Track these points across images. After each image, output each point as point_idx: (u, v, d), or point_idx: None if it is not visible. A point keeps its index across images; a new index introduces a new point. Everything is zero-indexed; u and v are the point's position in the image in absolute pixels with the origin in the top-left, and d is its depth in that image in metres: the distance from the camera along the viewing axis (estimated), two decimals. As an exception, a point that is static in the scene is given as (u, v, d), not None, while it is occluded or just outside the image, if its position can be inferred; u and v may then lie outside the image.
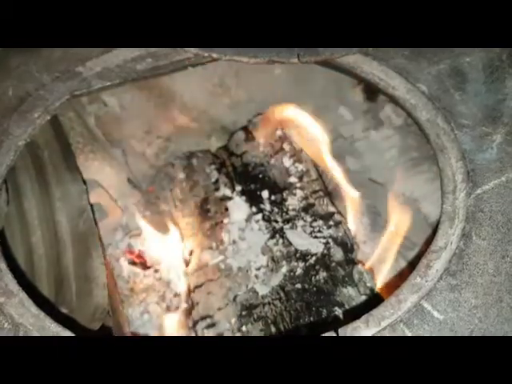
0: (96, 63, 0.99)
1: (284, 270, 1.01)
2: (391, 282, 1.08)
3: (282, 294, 0.98)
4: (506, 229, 0.78)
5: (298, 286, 0.99)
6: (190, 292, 1.06)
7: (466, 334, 0.70)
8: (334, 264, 1.01)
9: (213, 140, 1.36)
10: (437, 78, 0.95)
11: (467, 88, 0.93)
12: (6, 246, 0.93)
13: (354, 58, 0.98)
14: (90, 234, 1.03)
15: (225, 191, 1.17)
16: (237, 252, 1.07)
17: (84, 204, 1.07)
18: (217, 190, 1.18)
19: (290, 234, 1.06)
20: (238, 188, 1.17)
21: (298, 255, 1.03)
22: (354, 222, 1.17)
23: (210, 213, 1.15)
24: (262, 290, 0.99)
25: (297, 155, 1.20)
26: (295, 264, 1.02)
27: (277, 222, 1.09)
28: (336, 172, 1.23)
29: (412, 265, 1.06)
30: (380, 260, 1.12)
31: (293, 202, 1.12)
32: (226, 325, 0.97)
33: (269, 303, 0.97)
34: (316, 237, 1.05)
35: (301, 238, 1.05)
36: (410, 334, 0.70)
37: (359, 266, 1.02)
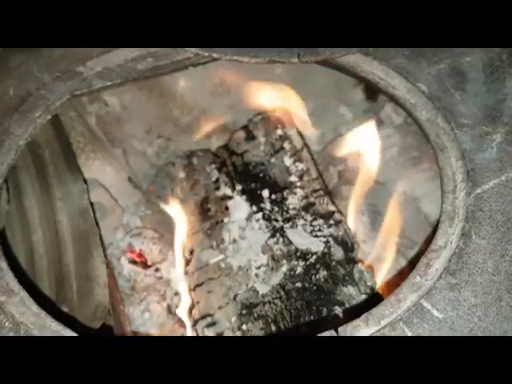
0: (97, 63, 1.00)
1: (284, 268, 1.02)
2: (391, 281, 1.08)
3: (282, 293, 0.98)
4: (506, 228, 0.78)
5: (299, 284, 0.99)
6: (190, 291, 1.07)
7: (466, 332, 0.70)
8: (334, 263, 1.01)
9: (213, 139, 1.36)
10: (437, 77, 0.95)
11: (467, 88, 0.94)
12: (6, 245, 0.93)
13: (354, 58, 0.99)
14: (91, 233, 1.04)
15: (225, 190, 1.17)
16: (237, 251, 1.07)
17: (85, 203, 1.07)
18: (217, 189, 1.18)
19: (290, 233, 1.06)
20: (239, 187, 1.17)
21: (298, 254, 1.03)
22: (354, 221, 1.17)
23: (210, 212, 1.15)
24: (263, 289, 1.00)
25: (297, 154, 1.20)
26: (295, 263, 1.02)
27: (277, 220, 1.10)
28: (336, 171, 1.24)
29: (412, 264, 1.07)
30: (380, 259, 1.12)
31: (293, 201, 1.12)
32: (227, 323, 0.97)
33: (269, 302, 0.98)
34: (316, 236, 1.05)
35: (301, 237, 1.05)
36: (409, 333, 0.70)
37: (359, 264, 1.02)
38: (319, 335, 0.71)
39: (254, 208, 1.12)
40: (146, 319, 1.17)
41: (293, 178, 1.16)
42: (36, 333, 0.71)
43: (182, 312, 1.11)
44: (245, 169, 1.21)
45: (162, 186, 1.29)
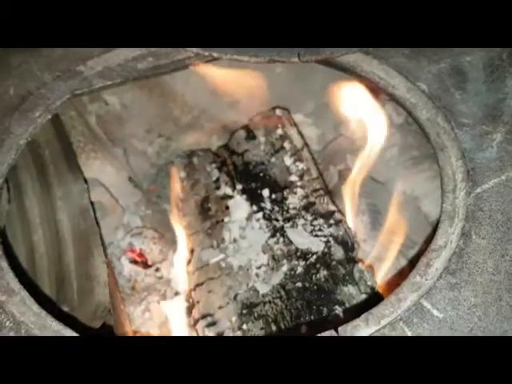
0: (97, 62, 1.00)
1: (285, 268, 1.02)
2: (391, 281, 1.08)
3: (282, 293, 0.98)
4: (506, 228, 0.78)
5: (299, 284, 0.99)
6: (190, 290, 1.07)
7: (466, 332, 0.70)
8: (334, 262, 1.01)
9: (213, 139, 1.36)
10: (437, 76, 0.95)
11: (467, 87, 0.94)
12: (7, 245, 0.93)
13: (354, 57, 0.99)
14: (92, 232, 1.04)
15: (225, 190, 1.17)
16: (237, 250, 1.07)
17: (85, 203, 1.07)
18: (217, 188, 1.18)
19: (290, 233, 1.06)
20: (239, 187, 1.17)
21: (298, 254, 1.03)
22: (355, 221, 1.17)
23: (210, 211, 1.15)
24: (263, 289, 1.00)
25: (297, 154, 1.20)
26: (296, 263, 1.02)
27: (277, 220, 1.10)
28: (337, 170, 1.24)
29: (412, 263, 1.07)
30: (380, 258, 1.12)
31: (293, 200, 1.12)
32: (227, 323, 0.97)
33: (269, 302, 0.98)
34: (317, 235, 1.05)
35: (301, 237, 1.05)
36: (409, 333, 0.70)
37: (360, 264, 1.02)
38: (319, 335, 0.71)
39: (255, 207, 1.12)
40: (147, 319, 1.17)
41: (293, 178, 1.16)
42: (36, 332, 0.71)
43: (183, 312, 1.11)
44: (245, 168, 1.21)
45: (163, 185, 1.29)
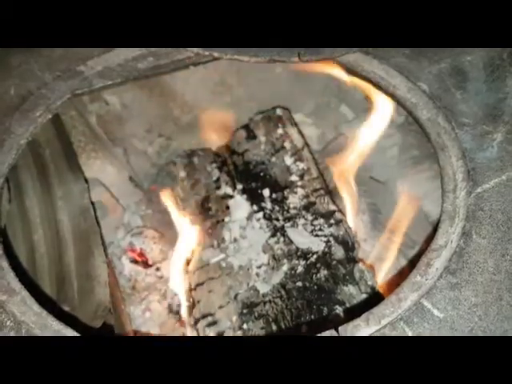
0: (97, 62, 1.00)
1: (285, 268, 1.02)
2: (392, 281, 1.08)
3: (282, 292, 0.98)
4: (506, 227, 0.78)
5: (299, 284, 0.99)
6: (191, 290, 1.07)
7: (466, 332, 0.70)
8: (334, 262, 1.01)
9: (214, 138, 1.36)
10: (437, 76, 0.95)
11: (468, 87, 0.94)
12: (7, 245, 0.93)
13: (354, 57, 0.99)
14: (92, 232, 1.04)
15: (226, 189, 1.17)
16: (238, 250, 1.07)
17: (86, 202, 1.07)
18: (218, 188, 1.18)
19: (290, 233, 1.06)
20: (239, 186, 1.17)
21: (298, 253, 1.03)
22: (355, 221, 1.17)
23: (211, 211, 1.16)
24: (263, 288, 1.00)
25: (298, 154, 1.20)
26: (296, 262, 1.02)
27: (278, 220, 1.10)
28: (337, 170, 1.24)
29: (412, 263, 1.07)
30: (380, 258, 1.12)
31: (294, 200, 1.13)
32: (227, 323, 0.97)
33: (270, 301, 0.98)
34: (317, 235, 1.06)
35: (302, 237, 1.05)
36: (410, 333, 0.70)
37: (360, 264, 1.02)
38: (320, 335, 0.71)
39: (255, 207, 1.12)
40: (147, 318, 1.17)
41: (293, 178, 1.16)
42: (37, 332, 0.71)
43: (183, 311, 1.11)
44: (245, 168, 1.21)
45: (163, 185, 1.29)
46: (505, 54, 0.96)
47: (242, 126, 1.29)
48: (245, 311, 0.97)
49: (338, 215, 1.09)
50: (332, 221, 1.07)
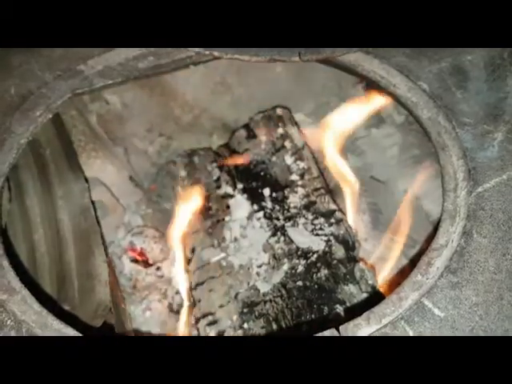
0: (98, 61, 1.00)
1: (285, 267, 1.02)
2: (392, 280, 1.08)
3: (283, 292, 0.98)
4: (507, 227, 0.78)
5: (300, 283, 0.99)
6: (191, 289, 1.07)
7: (467, 331, 0.70)
8: (335, 261, 1.01)
9: (214, 138, 1.36)
10: (438, 76, 0.95)
11: (469, 86, 0.93)
12: (8, 244, 0.93)
13: (355, 56, 0.99)
14: (92, 231, 1.04)
15: (226, 189, 1.17)
16: (238, 250, 1.07)
17: (86, 202, 1.08)
18: (218, 187, 1.18)
19: (291, 232, 1.06)
20: (240, 186, 1.17)
21: (299, 253, 1.03)
22: (355, 220, 1.17)
23: (211, 210, 1.16)
24: (264, 288, 1.00)
25: (298, 153, 1.20)
26: (296, 261, 1.02)
27: (278, 219, 1.10)
28: (338, 169, 1.24)
29: (413, 262, 1.06)
30: (381, 258, 1.12)
31: (294, 199, 1.13)
32: (228, 322, 0.97)
33: (270, 300, 0.98)
34: (317, 234, 1.06)
35: (302, 236, 1.05)
36: (410, 332, 0.70)
37: (361, 263, 1.02)
38: (320, 334, 0.71)
39: (255, 206, 1.12)
40: (148, 318, 1.17)
41: (294, 177, 1.16)
42: (37, 331, 0.71)
43: (183, 310, 1.11)
44: (246, 167, 1.21)
45: (163, 184, 1.29)
46: (505, 54, 0.96)
47: (242, 125, 1.29)
48: (245, 310, 0.97)
49: (338, 214, 1.09)
50: (332, 220, 1.07)
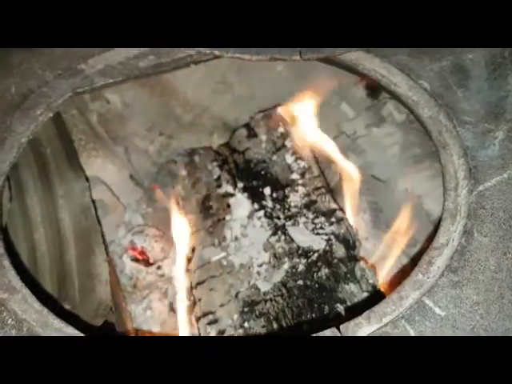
0: (98, 60, 1.00)
1: (286, 266, 1.02)
2: (393, 279, 1.08)
3: (283, 291, 0.98)
4: (508, 225, 0.78)
5: (300, 282, 0.99)
6: (192, 288, 1.07)
7: (468, 330, 0.70)
8: (336, 261, 1.01)
9: (215, 137, 1.36)
10: (439, 74, 0.95)
11: (470, 85, 0.93)
12: (9, 243, 0.93)
13: (356, 55, 0.98)
14: (93, 230, 1.04)
15: (227, 188, 1.17)
16: (239, 249, 1.07)
17: (87, 201, 1.08)
18: (219, 186, 1.18)
19: (291, 231, 1.06)
20: (240, 185, 1.17)
21: (299, 252, 1.03)
22: (356, 219, 1.17)
23: (212, 210, 1.15)
24: (264, 287, 1.00)
25: (299, 152, 1.20)
26: (297, 260, 1.02)
27: (279, 218, 1.10)
28: (339, 168, 1.24)
29: (414, 261, 1.07)
30: (382, 257, 1.12)
31: (295, 198, 1.12)
32: (228, 321, 0.97)
33: (271, 300, 0.98)
34: (318, 233, 1.05)
35: (303, 235, 1.05)
36: (411, 331, 0.70)
37: (361, 262, 1.02)
38: (321, 333, 0.71)
39: (256, 206, 1.12)
40: (148, 317, 1.17)
41: (294, 176, 1.16)
42: (38, 330, 0.71)
43: (184, 310, 1.11)
44: (246, 166, 1.21)
45: (164, 183, 1.29)
46: (506, 52, 0.95)
47: (242, 124, 1.29)
48: (246, 309, 0.97)
49: (339, 213, 1.09)
50: (333, 219, 1.07)
